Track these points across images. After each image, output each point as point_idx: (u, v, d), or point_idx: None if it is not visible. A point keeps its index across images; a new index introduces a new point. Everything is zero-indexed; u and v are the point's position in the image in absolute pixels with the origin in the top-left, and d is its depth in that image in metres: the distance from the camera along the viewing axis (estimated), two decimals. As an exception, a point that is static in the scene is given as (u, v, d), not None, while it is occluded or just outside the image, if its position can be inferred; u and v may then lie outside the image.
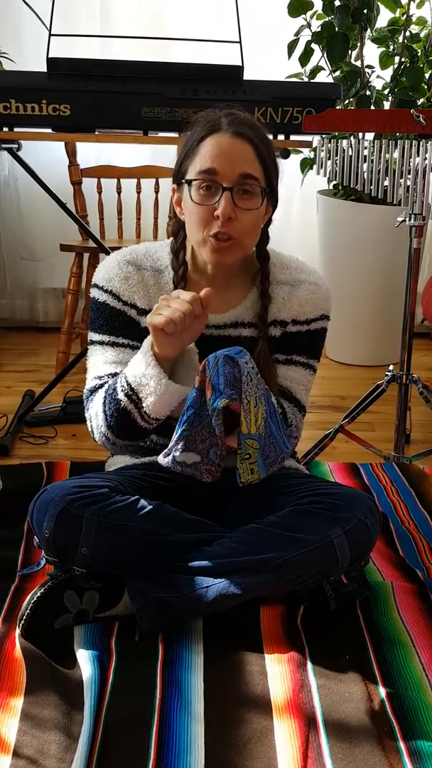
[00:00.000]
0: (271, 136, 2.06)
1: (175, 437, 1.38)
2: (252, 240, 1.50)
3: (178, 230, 1.54)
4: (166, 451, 1.41)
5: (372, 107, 2.77)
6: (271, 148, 1.49)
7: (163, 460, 1.41)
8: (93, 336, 1.56)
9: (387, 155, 1.98)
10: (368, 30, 2.79)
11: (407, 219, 2.01)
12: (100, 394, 1.50)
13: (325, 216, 3.04)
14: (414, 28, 2.85)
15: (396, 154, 1.98)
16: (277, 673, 1.32)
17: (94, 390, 1.53)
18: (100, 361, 1.54)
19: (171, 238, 1.57)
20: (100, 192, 2.98)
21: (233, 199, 1.42)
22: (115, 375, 1.51)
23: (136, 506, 1.44)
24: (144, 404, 1.41)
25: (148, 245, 1.59)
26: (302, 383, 1.59)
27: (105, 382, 1.51)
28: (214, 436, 1.35)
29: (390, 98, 2.83)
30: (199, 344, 1.48)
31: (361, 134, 2.14)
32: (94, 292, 1.56)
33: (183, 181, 1.46)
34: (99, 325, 1.55)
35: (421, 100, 2.80)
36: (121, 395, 1.43)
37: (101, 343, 1.55)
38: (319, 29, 2.76)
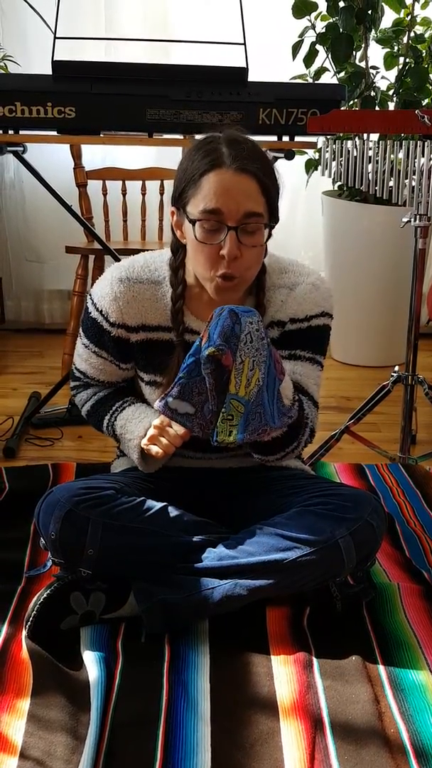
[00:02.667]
0: (275, 138, 2.08)
1: (173, 383, 1.39)
2: (255, 272, 1.48)
3: (177, 249, 1.52)
4: (162, 396, 1.41)
5: (377, 108, 2.76)
6: (274, 175, 1.45)
7: (157, 404, 1.42)
8: (82, 336, 1.62)
9: (392, 156, 1.98)
10: (373, 31, 2.79)
11: (412, 219, 2.01)
12: (86, 401, 1.66)
13: (330, 217, 3.04)
14: (418, 29, 2.85)
15: (401, 155, 1.98)
16: (283, 674, 1.32)
17: (78, 381, 1.68)
18: (85, 359, 1.63)
19: (170, 255, 1.55)
20: (105, 194, 2.98)
21: (238, 238, 1.40)
22: (98, 381, 1.64)
23: (142, 507, 1.45)
24: (120, 445, 1.61)
25: (147, 256, 1.58)
26: (311, 377, 1.55)
27: (88, 383, 1.66)
28: (207, 384, 1.33)
29: (395, 99, 2.83)
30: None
31: (365, 135, 2.13)
32: (89, 303, 1.58)
33: (187, 220, 1.43)
34: (89, 335, 1.59)
35: (426, 100, 2.80)
36: (105, 427, 1.62)
37: (87, 347, 1.61)
38: (323, 30, 2.76)
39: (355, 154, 2.01)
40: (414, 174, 1.97)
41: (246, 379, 1.31)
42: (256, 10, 2.48)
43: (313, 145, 2.16)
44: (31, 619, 1.38)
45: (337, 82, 2.80)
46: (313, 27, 2.79)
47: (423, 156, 1.95)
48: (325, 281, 1.58)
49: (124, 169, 3.01)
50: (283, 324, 1.54)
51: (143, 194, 3.00)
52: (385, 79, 2.87)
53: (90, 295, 1.58)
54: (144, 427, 1.52)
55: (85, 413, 1.67)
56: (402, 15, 2.84)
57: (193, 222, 1.42)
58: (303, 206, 3.31)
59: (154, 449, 1.47)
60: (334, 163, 2.04)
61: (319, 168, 2.10)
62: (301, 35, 2.79)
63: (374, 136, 2.48)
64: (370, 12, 2.71)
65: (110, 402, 1.62)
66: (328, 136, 2.05)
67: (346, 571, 1.44)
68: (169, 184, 3.00)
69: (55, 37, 2.01)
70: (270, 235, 1.49)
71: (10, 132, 2.05)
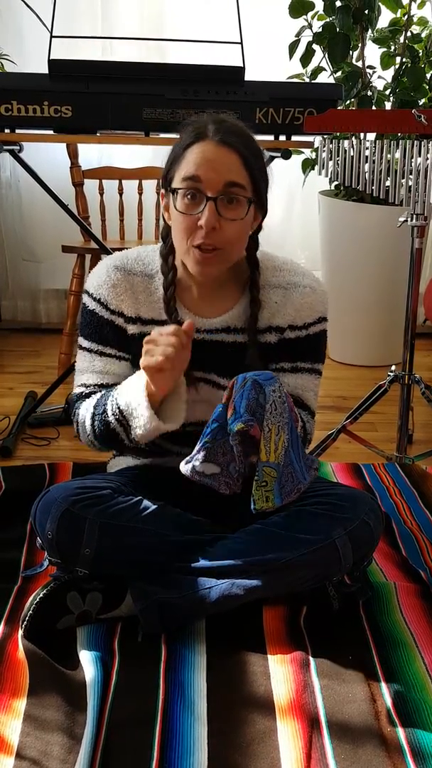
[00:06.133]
0: (271, 137, 2.08)
1: (197, 447, 1.38)
2: (237, 250, 1.47)
3: (167, 234, 1.51)
4: (187, 458, 1.40)
5: (373, 108, 2.77)
6: (260, 157, 1.45)
7: (183, 467, 1.40)
8: (82, 342, 1.57)
9: (388, 155, 1.98)
10: (369, 30, 2.79)
11: (409, 219, 2.01)
12: (88, 407, 1.51)
13: (326, 216, 3.04)
14: (415, 29, 2.85)
15: (397, 155, 1.98)
16: (280, 673, 1.32)
17: (80, 397, 1.55)
18: (87, 368, 1.56)
19: (161, 244, 1.55)
20: (101, 193, 2.98)
21: (217, 209, 1.39)
22: (101, 386, 1.53)
23: (138, 507, 1.44)
24: (132, 432, 1.44)
25: (140, 249, 1.58)
26: (311, 389, 1.57)
27: (92, 392, 1.54)
28: (235, 451, 1.36)
29: (391, 99, 2.83)
30: (192, 349, 1.48)
31: (362, 135, 2.14)
32: (85, 299, 1.56)
33: (169, 189, 1.44)
34: (88, 333, 1.56)
35: (423, 100, 2.80)
36: (111, 417, 1.46)
37: (90, 350, 1.56)
38: (320, 30, 2.76)
39: (351, 153, 2.01)
40: (411, 173, 1.97)
41: (274, 444, 1.35)
42: (252, 9, 2.48)
43: (309, 145, 2.16)
44: (27, 618, 1.38)
45: (333, 81, 2.80)
46: (310, 26, 2.79)
47: (420, 155, 1.95)
48: (321, 283, 1.57)
49: (121, 169, 3.01)
50: (282, 330, 1.54)
51: (140, 193, 3.00)
52: (381, 78, 2.87)
53: (86, 290, 1.56)
54: (141, 378, 1.42)
55: (90, 433, 1.51)
56: (399, 15, 2.84)
57: (174, 191, 1.42)
58: (299, 206, 3.31)
59: (151, 360, 1.36)
60: (330, 163, 2.04)
61: (316, 167, 2.10)
62: (298, 35, 2.79)
63: (371, 136, 2.49)
64: (366, 12, 2.71)
65: (104, 397, 1.52)
66: (325, 136, 2.05)
67: (342, 571, 1.44)
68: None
69: (51, 36, 2.01)
70: (260, 227, 1.49)
71: (6, 131, 2.04)
